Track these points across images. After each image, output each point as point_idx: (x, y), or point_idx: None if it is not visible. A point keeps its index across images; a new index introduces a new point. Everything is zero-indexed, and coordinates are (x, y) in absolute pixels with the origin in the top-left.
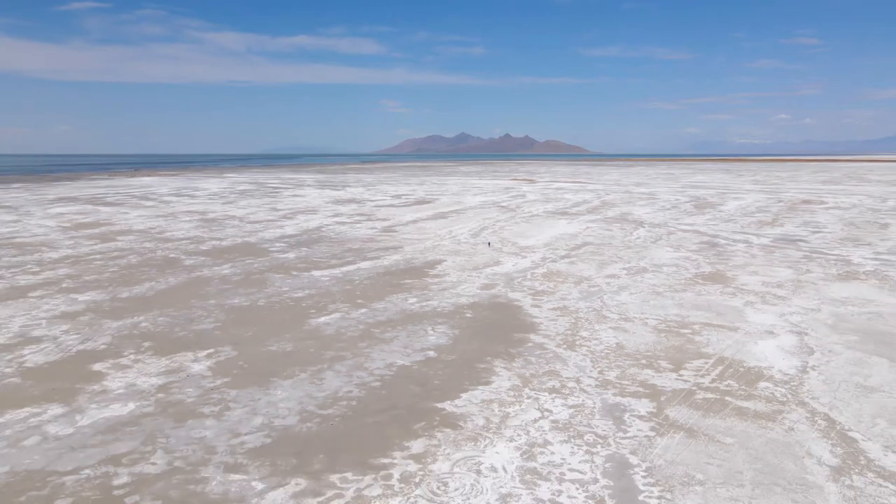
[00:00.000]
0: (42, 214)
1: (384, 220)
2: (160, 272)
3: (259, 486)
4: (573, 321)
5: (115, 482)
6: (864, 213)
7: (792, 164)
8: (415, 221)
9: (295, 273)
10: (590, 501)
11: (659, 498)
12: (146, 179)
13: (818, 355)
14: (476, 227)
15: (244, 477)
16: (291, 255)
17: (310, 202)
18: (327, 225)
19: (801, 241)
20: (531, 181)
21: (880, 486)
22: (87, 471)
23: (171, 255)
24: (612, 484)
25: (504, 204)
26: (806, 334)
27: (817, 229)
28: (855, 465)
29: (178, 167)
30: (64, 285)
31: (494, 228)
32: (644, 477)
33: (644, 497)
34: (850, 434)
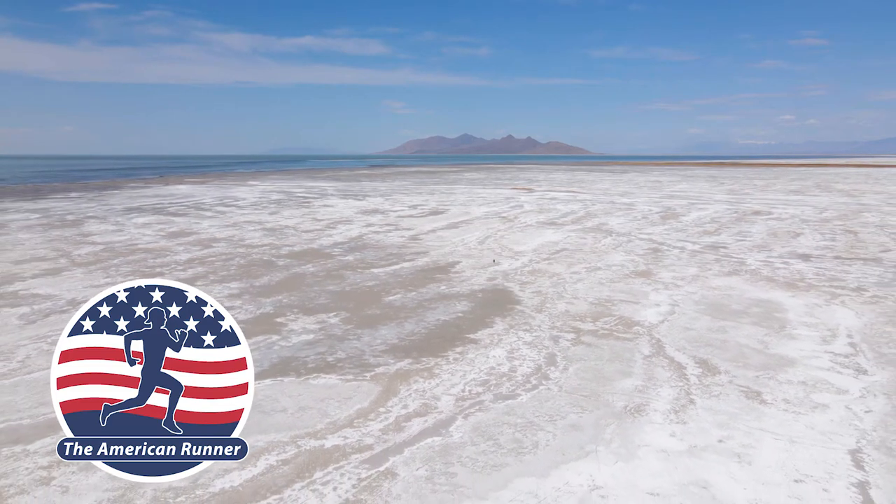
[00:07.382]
0: (131, 224)
1: (409, 229)
2: (267, 270)
3: (391, 360)
4: (543, 299)
5: (328, 360)
6: (794, 224)
7: (779, 168)
8: (433, 231)
9: (360, 270)
10: (535, 366)
11: (564, 364)
12: (181, 188)
13: (675, 315)
14: (481, 235)
15: (383, 358)
16: (351, 258)
17: (342, 213)
18: (366, 234)
19: (723, 247)
20: (529, 190)
21: (664, 360)
22: (310, 357)
23: (265, 258)
24: (546, 360)
25: (504, 214)
26: (677, 306)
27: (743, 238)
28: (657, 355)
29: (196, 173)
30: (211, 278)
31: (496, 237)
32: (561, 358)
33: (558, 364)
34: (665, 346)
